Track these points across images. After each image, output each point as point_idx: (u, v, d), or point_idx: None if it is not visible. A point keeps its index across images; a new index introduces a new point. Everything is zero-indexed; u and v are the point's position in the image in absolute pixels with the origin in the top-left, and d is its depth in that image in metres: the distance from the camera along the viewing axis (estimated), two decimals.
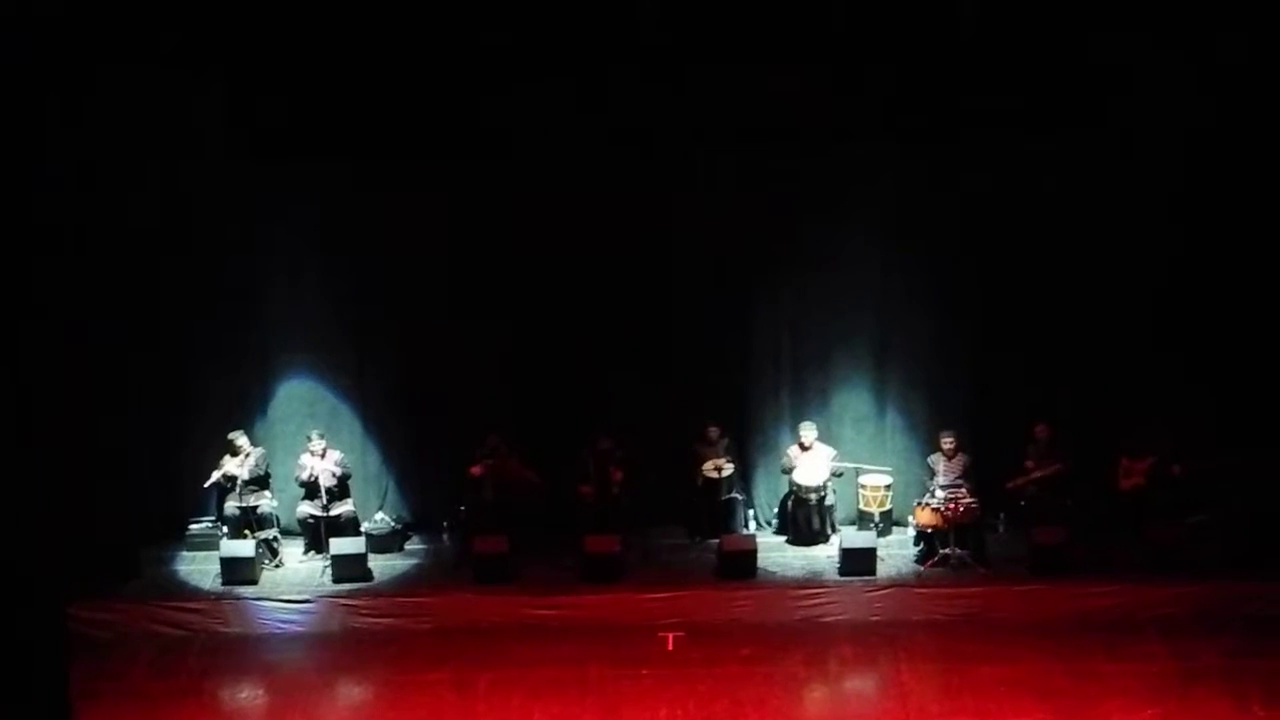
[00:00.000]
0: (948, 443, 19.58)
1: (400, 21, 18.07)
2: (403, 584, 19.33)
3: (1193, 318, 19.58)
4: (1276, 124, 18.59)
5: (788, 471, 19.89)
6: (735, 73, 18.53)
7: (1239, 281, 19.24)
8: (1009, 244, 19.69)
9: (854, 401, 20.37)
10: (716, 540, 19.57)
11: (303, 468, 19.66)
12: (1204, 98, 18.62)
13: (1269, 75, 18.36)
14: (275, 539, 19.69)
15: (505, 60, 18.26)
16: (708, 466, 19.89)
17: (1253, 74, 18.40)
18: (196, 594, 19.00)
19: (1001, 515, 19.96)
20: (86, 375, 18.50)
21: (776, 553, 19.71)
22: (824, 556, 19.55)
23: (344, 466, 19.77)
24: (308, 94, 18.66)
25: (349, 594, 18.93)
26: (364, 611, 18.74)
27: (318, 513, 19.61)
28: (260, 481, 19.75)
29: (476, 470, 19.71)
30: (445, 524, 20.26)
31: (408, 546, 20.24)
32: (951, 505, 19.03)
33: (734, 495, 20.09)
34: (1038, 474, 19.57)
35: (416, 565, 19.85)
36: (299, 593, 18.95)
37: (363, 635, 18.57)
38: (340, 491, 19.75)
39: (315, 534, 19.67)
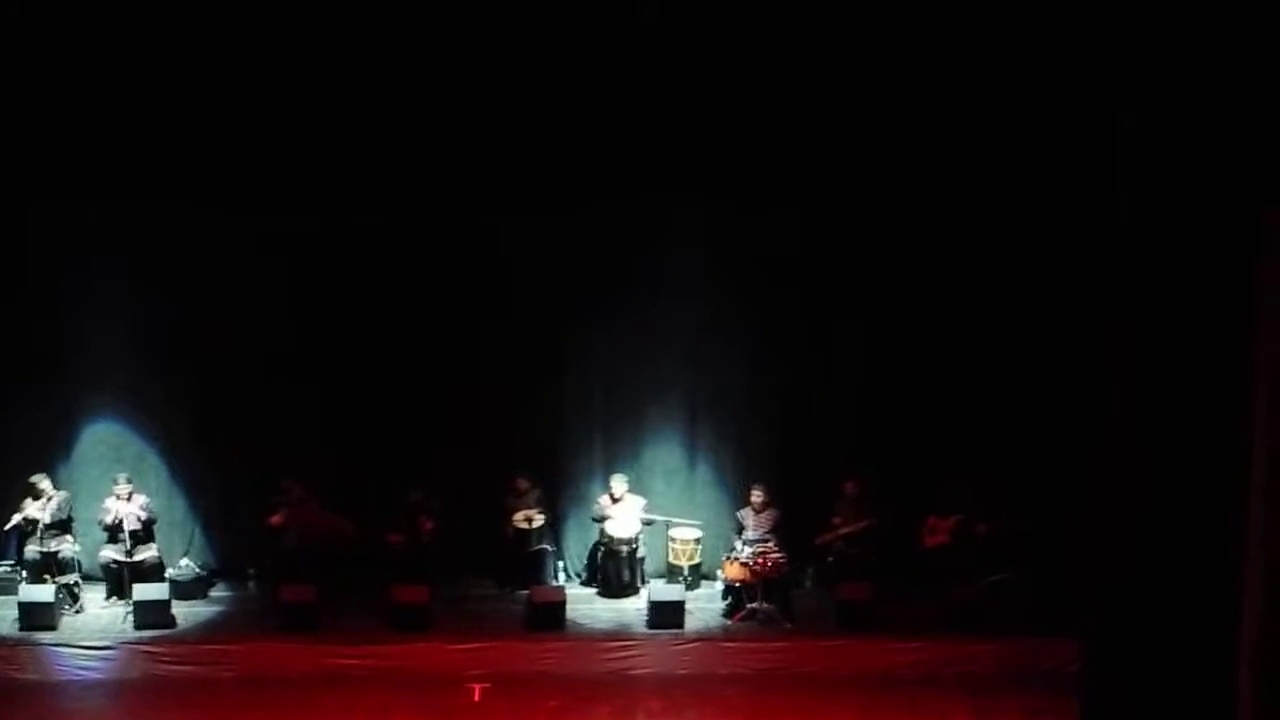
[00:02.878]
0: (757, 497, 19.72)
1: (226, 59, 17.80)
2: (207, 631, 19.05)
3: (997, 378, 19.87)
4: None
5: (600, 520, 19.93)
6: (548, 130, 18.51)
7: (1047, 342, 19.51)
8: (820, 301, 19.93)
9: (665, 454, 20.49)
10: (526, 591, 19.55)
11: (107, 511, 19.35)
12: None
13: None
14: (76, 584, 19.32)
15: (328, 102, 18.09)
16: (518, 517, 19.88)
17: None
18: None
19: (809, 570, 20.13)
20: None
21: (585, 605, 19.73)
22: (633, 609, 19.59)
23: (150, 511, 19.49)
24: (113, 135, 18.35)
25: (151, 641, 18.59)
26: (166, 659, 18.42)
27: (121, 558, 19.28)
28: (62, 525, 19.39)
29: (276, 519, 19.53)
30: (251, 571, 20.07)
31: (213, 593, 19.99)
32: (760, 560, 19.14)
33: (544, 546, 20.09)
34: (845, 530, 19.76)
35: (221, 612, 19.60)
36: (99, 639, 18.56)
37: (165, 683, 18.23)
38: (145, 536, 19.45)
39: (118, 579, 19.33)
